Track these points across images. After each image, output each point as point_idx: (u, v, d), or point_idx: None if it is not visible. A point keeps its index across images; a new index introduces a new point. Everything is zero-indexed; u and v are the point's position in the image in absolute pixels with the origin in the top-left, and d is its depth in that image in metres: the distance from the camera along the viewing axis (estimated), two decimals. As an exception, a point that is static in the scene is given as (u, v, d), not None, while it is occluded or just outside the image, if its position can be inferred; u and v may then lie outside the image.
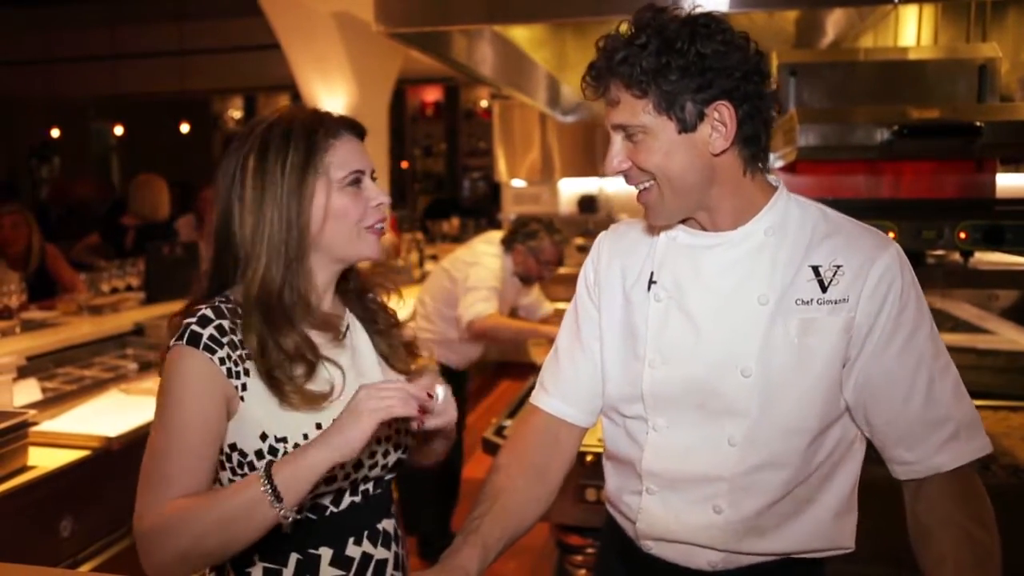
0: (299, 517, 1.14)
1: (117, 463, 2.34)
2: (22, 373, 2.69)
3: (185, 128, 10.42)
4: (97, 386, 2.84)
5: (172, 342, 1.18)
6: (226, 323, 1.19)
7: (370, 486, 1.30)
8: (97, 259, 4.44)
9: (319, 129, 1.23)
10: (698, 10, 1.15)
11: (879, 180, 2.28)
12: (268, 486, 1.08)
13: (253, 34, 7.36)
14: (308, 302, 1.23)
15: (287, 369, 1.18)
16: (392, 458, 1.31)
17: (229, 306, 1.21)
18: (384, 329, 1.36)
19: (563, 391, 1.35)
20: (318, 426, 1.20)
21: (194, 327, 1.17)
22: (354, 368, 1.28)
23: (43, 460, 2.22)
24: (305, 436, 1.19)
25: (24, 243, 3.99)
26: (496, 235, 3.68)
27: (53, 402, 2.63)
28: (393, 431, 1.30)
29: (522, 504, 1.30)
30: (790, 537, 1.23)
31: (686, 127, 1.14)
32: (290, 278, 1.20)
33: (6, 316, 3.26)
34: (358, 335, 1.33)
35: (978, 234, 2.00)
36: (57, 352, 3.05)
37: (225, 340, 1.17)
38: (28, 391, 2.65)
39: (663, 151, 1.15)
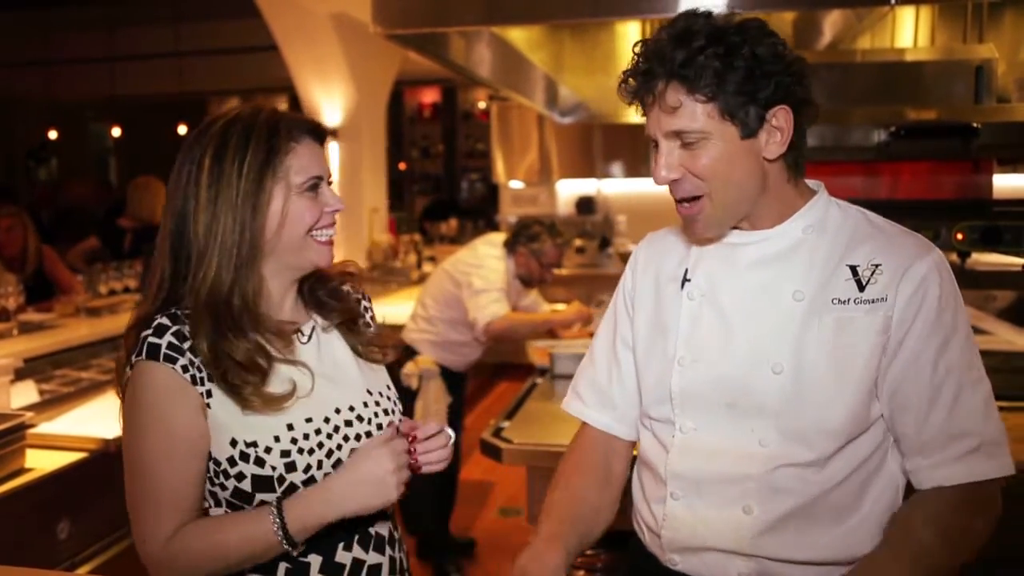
0: (302, 548, 1.17)
1: (114, 465, 2.32)
2: (19, 375, 2.68)
3: (183, 130, 10.39)
4: (94, 388, 2.84)
5: (133, 358, 1.16)
6: (185, 328, 1.16)
7: None
8: (92, 266, 4.41)
9: (280, 131, 1.19)
10: (737, 16, 1.14)
11: (876, 181, 2.29)
12: (282, 534, 1.12)
13: (251, 36, 7.35)
14: (257, 311, 1.19)
15: (240, 375, 1.15)
16: None
17: (187, 311, 1.18)
18: (347, 321, 1.33)
19: (605, 404, 1.36)
20: (289, 427, 1.18)
21: (151, 339, 1.14)
22: (323, 367, 1.26)
23: (40, 462, 2.22)
24: (276, 439, 1.17)
25: (20, 245, 3.98)
26: (497, 237, 3.68)
27: (50, 404, 2.63)
28: (375, 427, 1.28)
29: (596, 512, 1.31)
30: (830, 546, 1.18)
31: (749, 132, 1.12)
32: (240, 282, 1.17)
33: (3, 318, 3.25)
34: (325, 335, 1.30)
35: (975, 235, 2.01)
36: (54, 354, 3.05)
37: (186, 346, 1.15)
38: (25, 393, 2.65)
39: (726, 158, 1.12)
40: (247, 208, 1.16)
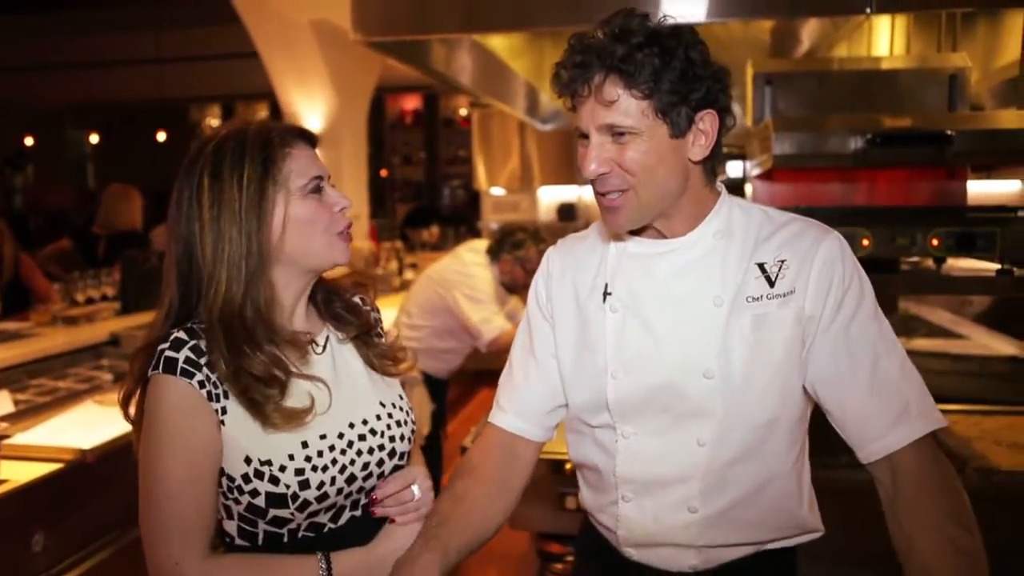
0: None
1: (91, 476, 2.31)
2: (-6, 385, 2.65)
3: (162, 136, 10.33)
4: (71, 398, 2.80)
5: (149, 372, 1.15)
6: (202, 343, 1.15)
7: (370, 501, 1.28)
8: (63, 269, 4.35)
9: (274, 139, 1.19)
10: (669, 20, 1.16)
11: (853, 187, 2.31)
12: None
13: (231, 42, 7.32)
14: (272, 321, 1.19)
15: (261, 390, 1.15)
16: (388, 466, 1.28)
17: (202, 326, 1.17)
18: (362, 335, 1.33)
19: (517, 407, 1.36)
20: (303, 444, 1.18)
21: (168, 352, 1.14)
22: (338, 380, 1.25)
23: (15, 473, 2.19)
24: (291, 457, 1.16)
25: (-5, 253, 3.91)
26: (480, 244, 3.68)
27: (26, 414, 2.59)
28: (387, 439, 1.28)
29: (483, 515, 1.30)
30: (767, 527, 1.27)
31: (678, 132, 1.15)
32: (252, 294, 1.16)
33: (-22, 327, 3.21)
34: (340, 347, 1.30)
35: (950, 241, 2.03)
36: (30, 363, 3.00)
37: (203, 361, 1.14)
38: (0, 403, 2.61)
39: (654, 155, 1.15)
40: (251, 219, 1.16)
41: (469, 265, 3.51)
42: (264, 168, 1.17)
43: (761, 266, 1.20)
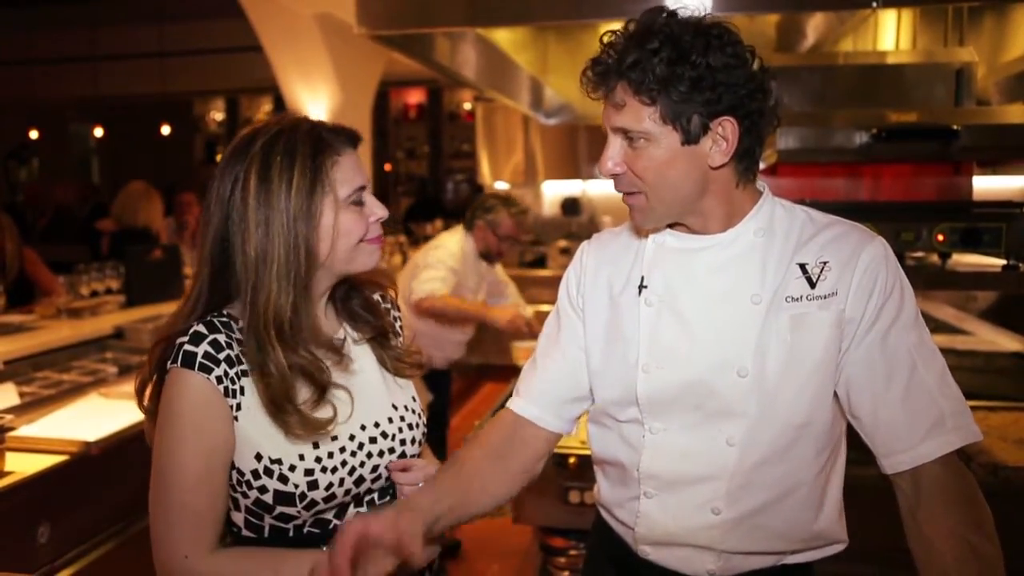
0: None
1: (96, 468, 2.32)
2: (-1, 378, 2.66)
3: (166, 130, 10.32)
4: (76, 390, 2.81)
5: (168, 364, 1.15)
6: (221, 337, 1.15)
7: (375, 495, 1.29)
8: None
9: (324, 145, 1.18)
10: (708, 18, 1.13)
11: (858, 182, 2.31)
12: None
13: (235, 36, 7.31)
14: (315, 324, 1.20)
15: (293, 396, 1.15)
16: None
17: (223, 319, 1.17)
18: (379, 336, 1.32)
19: (531, 393, 1.35)
20: (315, 445, 1.18)
21: (187, 346, 1.13)
22: (351, 381, 1.25)
23: (20, 465, 2.19)
24: (301, 457, 1.17)
25: (-1, 248, 3.90)
26: (460, 225, 3.71)
27: (31, 407, 2.60)
28: (398, 442, 1.28)
29: (479, 480, 1.28)
30: (790, 537, 1.24)
31: (689, 139, 1.13)
32: (298, 301, 1.16)
33: (-18, 320, 3.21)
34: (355, 348, 1.30)
35: (955, 236, 2.03)
36: (35, 356, 3.01)
37: (222, 356, 1.14)
38: (5, 395, 2.62)
39: (663, 160, 1.14)
40: (301, 227, 1.15)
41: (441, 238, 3.58)
42: (314, 176, 1.16)
43: (803, 267, 1.19)
